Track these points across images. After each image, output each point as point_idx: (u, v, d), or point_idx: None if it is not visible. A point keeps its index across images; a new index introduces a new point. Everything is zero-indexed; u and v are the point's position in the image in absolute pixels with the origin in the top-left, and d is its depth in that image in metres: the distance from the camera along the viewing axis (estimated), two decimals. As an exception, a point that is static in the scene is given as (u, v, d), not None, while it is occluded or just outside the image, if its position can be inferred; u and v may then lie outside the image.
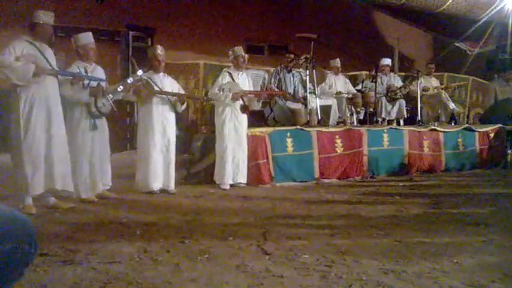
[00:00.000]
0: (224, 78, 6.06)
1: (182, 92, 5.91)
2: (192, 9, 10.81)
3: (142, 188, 5.49)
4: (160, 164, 5.53)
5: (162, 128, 5.56)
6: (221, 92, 5.92)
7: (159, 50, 5.69)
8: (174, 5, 10.65)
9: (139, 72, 5.30)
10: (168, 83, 5.73)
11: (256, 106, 6.35)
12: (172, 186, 5.60)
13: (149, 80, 5.54)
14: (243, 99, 6.05)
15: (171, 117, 5.70)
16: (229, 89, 5.92)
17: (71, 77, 4.73)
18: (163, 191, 5.54)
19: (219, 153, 6.00)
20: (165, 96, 5.61)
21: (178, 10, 10.68)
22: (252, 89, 6.39)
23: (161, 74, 5.71)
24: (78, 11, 9.32)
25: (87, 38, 5.02)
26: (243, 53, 6.18)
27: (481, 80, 11.14)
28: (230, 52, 6.21)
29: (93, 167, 5.00)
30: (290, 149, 6.40)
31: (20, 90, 4.32)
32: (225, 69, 6.33)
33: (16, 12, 9.07)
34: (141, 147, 5.60)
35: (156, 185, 5.50)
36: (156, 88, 5.55)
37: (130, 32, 8.31)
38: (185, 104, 5.83)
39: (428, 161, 7.66)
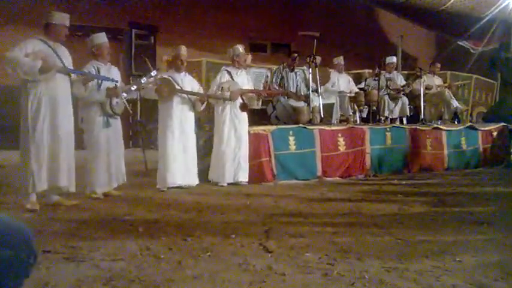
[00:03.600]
0: (223, 77, 6.07)
1: (201, 91, 5.97)
2: (194, 7, 10.82)
3: (162, 185, 5.58)
4: (179, 162, 5.61)
5: (180, 126, 5.65)
6: (220, 91, 5.93)
7: (182, 50, 5.76)
8: (176, 3, 10.66)
9: (154, 73, 5.39)
10: (188, 82, 5.82)
11: (256, 105, 6.35)
12: (193, 182, 5.74)
13: (171, 78, 5.60)
14: (242, 98, 6.07)
15: (190, 115, 5.79)
16: (229, 88, 5.92)
17: (82, 76, 4.76)
18: (181, 187, 5.64)
19: (217, 152, 6.01)
20: (185, 95, 5.66)
21: (181, 8, 10.69)
22: (251, 87, 6.39)
23: (182, 73, 5.79)
24: (81, 9, 9.33)
25: (101, 38, 5.09)
26: (242, 52, 6.16)
27: (484, 79, 11.12)
28: (230, 50, 6.21)
29: (108, 164, 5.05)
30: (292, 147, 6.40)
31: (30, 87, 4.34)
32: (223, 67, 6.34)
33: (19, 9, 9.11)
34: (161, 145, 5.68)
35: (174, 182, 5.59)
36: (177, 87, 5.60)
37: (133, 30, 8.31)
38: (205, 104, 5.89)
39: (430, 159, 7.66)
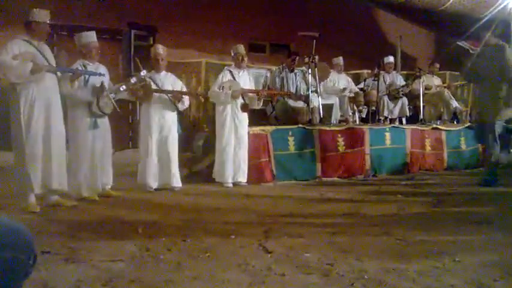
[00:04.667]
0: (225, 77, 6.07)
1: (184, 89, 5.91)
2: (194, 7, 10.80)
3: (141, 187, 5.54)
4: (157, 163, 5.56)
5: (159, 126, 5.59)
6: (221, 90, 5.94)
7: (159, 49, 5.69)
8: (176, 4, 10.65)
9: (143, 73, 5.35)
10: (169, 82, 5.72)
11: (257, 105, 6.35)
12: (175, 183, 5.62)
13: (149, 79, 5.56)
14: (243, 98, 6.06)
15: (170, 115, 5.69)
16: (230, 87, 5.93)
17: (70, 74, 4.74)
18: (163, 188, 5.57)
19: (219, 151, 6.02)
20: (164, 94, 5.61)
21: (180, 8, 10.68)
22: (253, 87, 6.39)
23: (162, 73, 5.71)
24: (80, 10, 9.32)
25: (89, 37, 5.02)
26: (242, 52, 6.16)
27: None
28: (231, 50, 6.22)
29: (94, 166, 5.00)
30: (292, 147, 6.41)
31: (20, 89, 4.31)
32: (226, 67, 6.33)
33: (17, 11, 9.08)
34: (141, 146, 5.66)
35: (153, 183, 5.54)
36: (154, 87, 5.55)
37: (133, 31, 8.29)
38: (186, 102, 5.81)
39: (430, 159, 7.66)
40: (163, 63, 5.69)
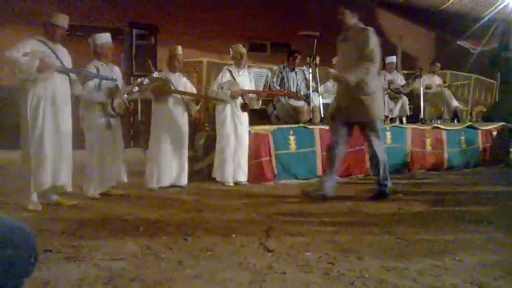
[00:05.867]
0: (224, 76, 6.07)
1: (194, 91, 5.98)
2: (195, 7, 10.83)
3: (153, 184, 5.58)
4: (171, 161, 5.64)
5: (174, 126, 5.67)
6: (220, 90, 5.95)
7: (178, 50, 5.78)
8: (177, 3, 10.67)
9: (155, 74, 5.40)
10: (182, 83, 5.82)
11: (257, 105, 6.36)
12: (184, 181, 5.74)
13: (166, 78, 5.64)
14: (243, 98, 6.07)
15: (184, 116, 5.79)
16: (229, 88, 5.94)
17: (82, 76, 4.80)
18: (173, 185, 5.67)
19: (219, 151, 6.03)
20: (179, 96, 5.69)
21: (181, 8, 10.70)
22: (253, 87, 6.39)
23: (177, 73, 5.80)
24: (81, 9, 9.35)
25: (105, 38, 5.12)
26: (240, 50, 6.16)
27: (484, 78, 11.11)
28: (230, 50, 6.22)
29: (103, 165, 5.05)
30: (293, 146, 6.41)
31: (29, 87, 4.35)
32: (225, 66, 6.33)
33: (20, 10, 9.11)
34: (153, 144, 5.69)
35: (166, 181, 5.62)
36: (171, 87, 5.61)
37: (134, 30, 8.31)
38: (199, 105, 5.91)
39: (430, 159, 7.65)
40: (179, 64, 5.78)
